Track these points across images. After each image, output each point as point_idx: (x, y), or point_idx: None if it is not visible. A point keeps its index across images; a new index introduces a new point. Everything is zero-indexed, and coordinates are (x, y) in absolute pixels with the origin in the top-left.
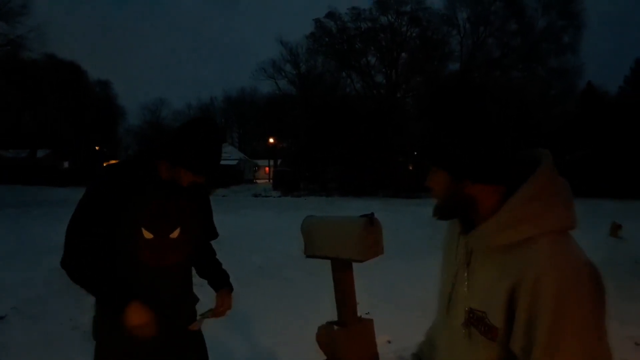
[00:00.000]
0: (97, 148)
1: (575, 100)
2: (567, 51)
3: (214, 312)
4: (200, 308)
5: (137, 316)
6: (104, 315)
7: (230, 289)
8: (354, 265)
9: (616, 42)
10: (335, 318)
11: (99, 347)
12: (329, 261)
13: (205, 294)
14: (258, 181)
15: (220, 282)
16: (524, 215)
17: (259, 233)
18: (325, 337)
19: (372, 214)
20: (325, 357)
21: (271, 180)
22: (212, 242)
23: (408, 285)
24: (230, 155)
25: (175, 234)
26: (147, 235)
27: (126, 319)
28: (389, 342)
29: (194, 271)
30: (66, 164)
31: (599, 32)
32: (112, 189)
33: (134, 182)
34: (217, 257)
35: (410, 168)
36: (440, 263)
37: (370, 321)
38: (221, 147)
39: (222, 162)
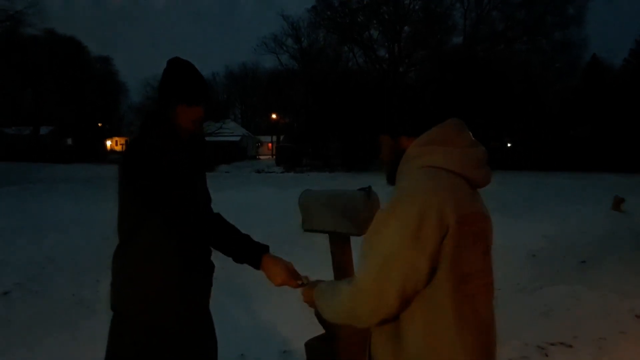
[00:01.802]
0: (99, 125)
1: (579, 74)
2: (571, 24)
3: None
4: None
5: (276, 276)
6: (127, 287)
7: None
8: (354, 239)
9: (622, 14)
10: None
11: (116, 319)
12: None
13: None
14: (261, 157)
15: (254, 245)
16: (417, 153)
17: (261, 208)
18: None
19: (369, 187)
20: (323, 331)
21: (274, 156)
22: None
23: None
24: (233, 131)
25: None
26: None
27: (270, 279)
28: None
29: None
30: (69, 141)
31: (605, 3)
32: (159, 160)
33: (162, 150)
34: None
35: None
36: None
37: None
38: (199, 73)
39: (225, 139)
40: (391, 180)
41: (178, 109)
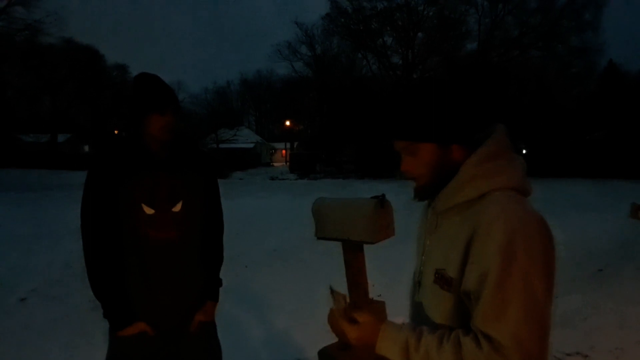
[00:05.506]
0: (116, 132)
1: (596, 80)
2: (588, 29)
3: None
4: (222, 291)
5: (131, 330)
6: None
7: (215, 300)
8: (369, 247)
9: (639, 20)
10: (348, 300)
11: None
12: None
13: (239, 276)
14: (275, 164)
15: (207, 291)
16: (480, 173)
17: (275, 216)
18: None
19: (383, 195)
20: (337, 339)
21: (288, 163)
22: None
23: None
24: (247, 138)
25: (177, 207)
26: (148, 210)
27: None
28: (404, 324)
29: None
30: (86, 148)
31: (622, 9)
32: (105, 169)
33: (127, 159)
34: (223, 251)
35: None
36: (416, 243)
37: (382, 303)
38: (164, 83)
39: (239, 146)
40: (427, 196)
41: (147, 119)
